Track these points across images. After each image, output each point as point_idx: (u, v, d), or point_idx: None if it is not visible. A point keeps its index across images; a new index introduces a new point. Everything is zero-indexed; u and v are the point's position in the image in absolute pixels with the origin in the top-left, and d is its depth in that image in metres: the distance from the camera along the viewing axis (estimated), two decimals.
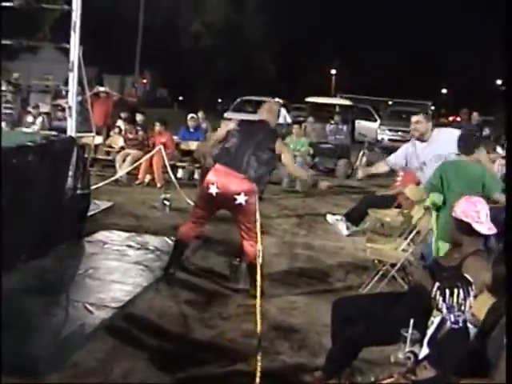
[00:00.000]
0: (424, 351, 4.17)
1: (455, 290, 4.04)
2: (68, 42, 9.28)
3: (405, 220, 8.64)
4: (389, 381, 4.25)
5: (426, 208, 7.30)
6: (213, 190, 7.10)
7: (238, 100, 33.07)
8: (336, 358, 5.03)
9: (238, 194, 7.07)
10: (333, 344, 5.19)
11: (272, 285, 7.84)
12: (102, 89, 18.82)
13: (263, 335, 6.17)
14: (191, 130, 16.16)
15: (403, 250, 7.55)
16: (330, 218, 11.51)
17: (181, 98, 65.85)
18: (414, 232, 7.56)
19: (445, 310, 4.05)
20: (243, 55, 64.53)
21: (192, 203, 10.85)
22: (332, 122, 21.24)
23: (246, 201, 7.11)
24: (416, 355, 4.15)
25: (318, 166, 18.94)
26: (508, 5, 5.05)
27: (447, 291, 4.04)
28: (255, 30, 65.86)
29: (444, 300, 4.03)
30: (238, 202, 7.09)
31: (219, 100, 57.48)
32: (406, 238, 7.75)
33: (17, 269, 7.39)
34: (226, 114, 29.33)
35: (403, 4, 72.83)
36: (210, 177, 7.19)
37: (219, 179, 7.09)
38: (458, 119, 29.55)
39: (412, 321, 4.17)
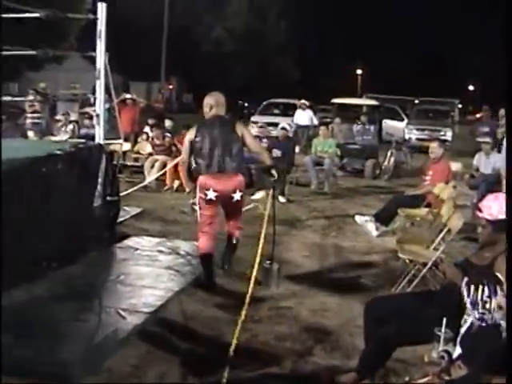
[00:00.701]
0: (458, 350, 4.14)
1: (480, 287, 4.01)
2: (94, 51, 9.33)
3: (435, 219, 8.61)
4: (423, 380, 4.24)
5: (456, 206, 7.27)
6: (211, 195, 7.54)
7: (264, 103, 33.08)
8: (369, 358, 5.01)
9: (234, 192, 7.62)
10: (366, 345, 5.18)
11: (303, 287, 7.86)
12: (128, 96, 18.93)
13: (295, 337, 6.20)
14: None
15: (434, 248, 7.51)
16: (358, 218, 11.49)
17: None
18: (445, 231, 7.51)
19: (469, 306, 4.03)
20: (266, 59, 64.53)
21: None
22: (359, 122, 21.20)
23: (240, 196, 7.71)
24: (450, 354, 4.13)
25: (345, 167, 18.91)
26: (508, 5, 5.02)
27: (472, 287, 4.02)
28: (277, 34, 65.87)
29: (468, 295, 4.01)
30: (235, 199, 7.66)
31: (245, 104, 57.45)
32: (436, 237, 7.70)
33: (48, 276, 7.45)
34: (252, 118, 29.39)
35: (428, 6, 72.69)
36: (204, 184, 7.58)
37: (213, 185, 7.53)
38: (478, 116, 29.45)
39: (445, 320, 4.15)
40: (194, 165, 7.99)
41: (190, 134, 7.81)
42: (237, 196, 7.63)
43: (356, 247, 10.05)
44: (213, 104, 7.98)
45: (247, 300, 6.43)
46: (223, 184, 7.54)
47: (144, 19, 59.15)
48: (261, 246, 6.98)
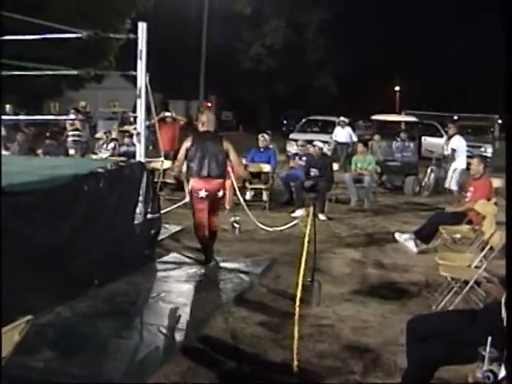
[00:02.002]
0: (503, 370, 4.10)
1: None
2: (133, 69, 9.43)
3: (476, 236, 8.54)
4: None
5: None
6: (203, 194, 9.09)
7: (303, 120, 33.09)
8: (412, 377, 4.97)
9: (218, 191, 9.26)
10: (408, 363, 5.13)
11: (344, 304, 7.84)
12: (168, 114, 19.03)
13: (336, 355, 6.18)
14: (261, 149, 16.24)
15: (476, 266, 7.45)
16: (399, 236, 11.42)
17: (246, 121, 66.14)
18: (487, 248, 7.45)
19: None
20: (305, 76, 64.54)
21: (260, 225, 10.92)
22: (398, 139, 21.10)
23: (223, 193, 9.58)
24: (495, 374, 4.08)
25: (385, 183, 18.85)
26: (508, 5, 4.98)
27: None
28: (316, 50, 65.90)
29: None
30: (219, 196, 9.35)
31: (284, 121, 57.50)
32: (478, 255, 7.64)
33: (90, 293, 7.52)
34: (291, 135, 29.42)
35: (466, 21, 72.39)
36: (195, 186, 9.20)
37: (203, 186, 9.08)
38: None
39: (490, 339, 4.11)
40: (185, 168, 9.54)
41: (187, 143, 9.41)
42: (220, 194, 9.33)
43: (397, 264, 10.01)
44: (205, 121, 9.53)
45: (296, 317, 6.39)
46: (211, 185, 9.09)
47: (183, 37, 59.51)
48: (303, 264, 6.96)
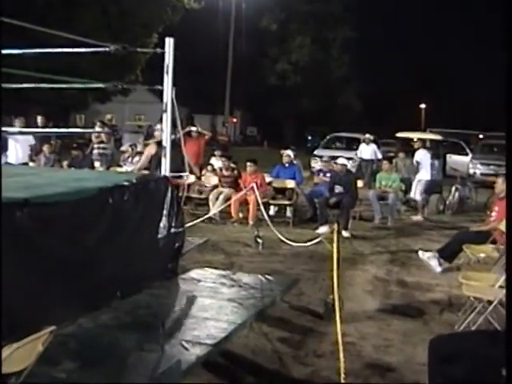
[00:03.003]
0: None
1: None
2: (159, 83, 9.47)
3: (501, 256, 8.48)
4: None
5: None
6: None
7: (328, 137, 33.11)
8: None
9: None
10: (430, 383, 5.11)
11: (366, 322, 7.81)
12: (193, 128, 19.11)
13: (358, 373, 6.16)
14: (286, 165, 16.29)
15: (500, 286, 7.39)
16: (422, 254, 11.36)
17: (270, 136, 66.31)
18: None
19: None
20: (330, 92, 64.63)
21: (285, 239, 10.91)
22: None
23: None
24: None
25: (409, 201, 18.77)
26: (508, 5, 4.95)
27: None
28: (341, 67, 66.01)
29: None
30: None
31: (308, 137, 57.58)
32: (502, 275, 7.59)
33: (113, 305, 7.55)
34: (316, 152, 29.41)
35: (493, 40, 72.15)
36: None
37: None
38: None
39: None
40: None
41: (152, 150, 11.09)
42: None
43: (420, 283, 9.95)
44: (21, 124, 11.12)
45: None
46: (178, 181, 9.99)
47: (209, 52, 59.83)
48: (326, 281, 6.95)
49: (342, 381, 5.61)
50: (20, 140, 16.44)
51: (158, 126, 10.69)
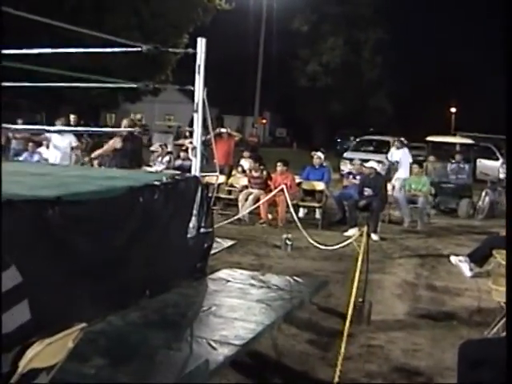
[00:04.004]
0: None
1: None
2: (190, 84, 9.49)
3: None
4: None
5: None
6: None
7: (358, 140, 33.03)
8: None
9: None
10: None
11: (394, 325, 7.79)
12: (223, 130, 19.18)
13: (386, 377, 6.14)
14: (316, 167, 16.29)
15: None
16: (452, 258, 11.29)
17: (300, 138, 66.24)
18: None
19: None
20: (361, 95, 64.42)
21: (314, 242, 10.90)
22: (453, 160, 20.91)
23: None
24: None
25: (439, 205, 18.69)
26: (508, 6, 4.92)
27: None
28: (372, 69, 65.76)
29: None
30: None
31: (338, 140, 57.47)
32: None
33: (142, 304, 7.58)
34: (346, 154, 29.36)
35: None
36: None
37: None
38: None
39: None
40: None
41: (116, 144, 12.83)
42: None
43: (449, 287, 9.91)
44: (126, 124, 13.08)
45: (344, 338, 6.34)
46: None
47: (240, 53, 59.94)
48: (355, 283, 6.94)
49: None
50: (60, 140, 16.55)
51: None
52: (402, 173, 19.15)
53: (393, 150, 26.21)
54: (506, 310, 3.65)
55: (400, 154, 25.21)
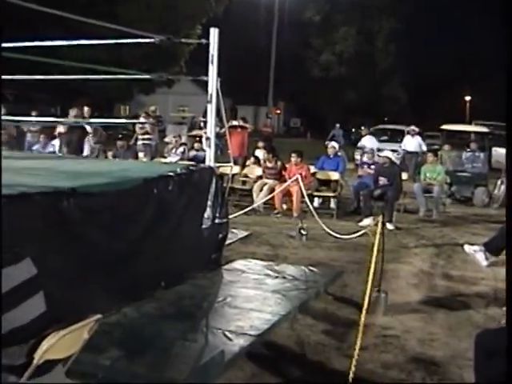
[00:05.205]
0: None
1: None
2: (203, 75, 9.48)
3: None
4: None
5: None
6: None
7: (372, 129, 32.91)
8: None
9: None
10: (476, 378, 5.04)
11: (410, 315, 7.75)
12: (235, 123, 19.19)
13: (402, 367, 6.11)
14: (331, 156, 16.25)
15: None
16: (468, 247, 11.22)
17: (314, 128, 66.13)
18: None
19: None
20: (374, 84, 64.25)
21: (330, 231, 10.87)
22: (468, 149, 20.80)
23: None
24: None
25: (454, 194, 18.60)
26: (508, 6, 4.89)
27: None
28: (386, 58, 65.56)
29: None
30: None
31: (352, 129, 57.31)
32: None
33: (157, 295, 7.59)
34: (360, 143, 29.24)
35: None
36: None
37: None
38: None
39: None
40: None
41: (61, 129, 15.16)
42: None
43: (465, 277, 9.85)
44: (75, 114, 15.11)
45: (360, 328, 6.31)
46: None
47: (252, 43, 59.88)
48: (371, 273, 6.91)
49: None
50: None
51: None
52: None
53: (407, 138, 26.18)
54: (506, 310, 3.62)
55: (414, 143, 25.23)
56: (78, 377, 4.78)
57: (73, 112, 16.96)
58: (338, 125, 37.31)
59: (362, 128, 23.74)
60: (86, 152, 16.77)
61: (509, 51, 4.80)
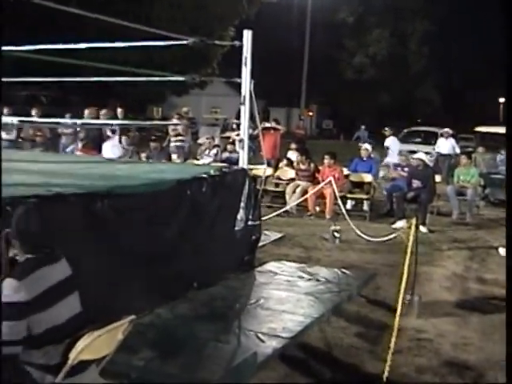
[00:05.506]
0: None
1: None
2: (236, 77, 9.50)
3: None
4: None
5: None
6: None
7: (405, 131, 32.72)
8: None
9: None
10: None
11: (443, 319, 7.71)
12: (268, 125, 19.20)
13: (435, 371, 6.08)
14: (364, 159, 16.18)
15: None
16: (502, 250, 11.15)
17: (346, 130, 65.89)
18: None
19: None
20: (408, 86, 63.92)
21: (362, 235, 10.83)
22: (502, 152, 20.61)
23: None
24: None
25: (488, 197, 18.44)
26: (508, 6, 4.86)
27: None
28: (419, 60, 65.21)
29: None
30: None
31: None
32: None
33: (190, 296, 7.62)
34: (385, 144, 29.11)
35: None
36: None
37: None
38: None
39: None
40: None
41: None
42: None
43: (499, 280, 9.73)
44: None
45: (395, 332, 6.27)
46: None
47: (285, 45, 59.83)
48: (405, 276, 6.87)
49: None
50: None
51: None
52: (392, 158, 20.35)
53: (440, 141, 25.99)
54: (506, 310, 3.59)
55: (448, 145, 25.04)
56: (112, 377, 4.82)
57: (104, 115, 17.04)
58: (362, 126, 37.63)
59: (386, 129, 23.58)
60: (116, 153, 16.77)
61: (509, 51, 4.78)
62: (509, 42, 4.82)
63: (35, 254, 4.16)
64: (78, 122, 17.35)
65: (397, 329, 6.33)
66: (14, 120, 15.85)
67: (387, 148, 22.09)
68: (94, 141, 16.89)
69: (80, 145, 16.45)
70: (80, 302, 4.34)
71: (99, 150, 16.19)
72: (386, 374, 5.61)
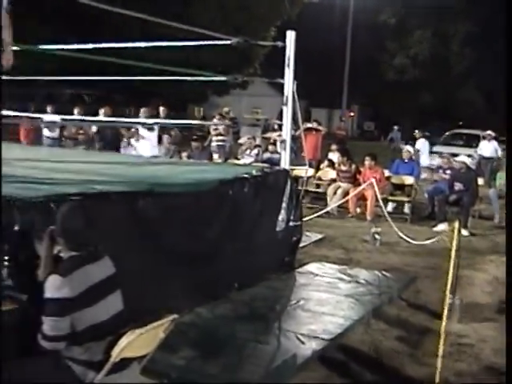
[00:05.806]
0: None
1: None
2: (278, 77, 9.50)
3: None
4: None
5: None
6: None
7: (447, 133, 32.44)
8: None
9: None
10: None
11: (485, 324, 7.64)
12: (309, 125, 19.16)
13: (476, 376, 6.02)
14: (405, 161, 16.08)
15: None
16: None
17: (388, 131, 65.51)
18: None
19: None
20: (450, 87, 63.37)
21: (404, 237, 10.76)
22: None
23: None
24: None
25: None
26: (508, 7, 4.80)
27: None
28: (461, 62, 64.61)
29: None
30: None
31: (427, 133, 56.60)
32: None
33: (231, 297, 7.64)
34: (434, 148, 28.84)
35: None
36: None
37: None
38: None
39: None
40: None
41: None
42: None
43: None
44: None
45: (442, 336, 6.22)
46: None
47: (327, 46, 59.68)
48: (449, 280, 6.82)
49: None
50: (146, 132, 16.74)
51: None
52: (423, 160, 21.75)
53: (483, 143, 25.71)
54: (506, 310, 3.54)
55: (491, 148, 24.77)
56: (153, 376, 4.85)
57: (144, 113, 17.11)
58: (395, 127, 37.50)
59: (416, 131, 23.72)
60: (155, 152, 16.76)
61: (509, 51, 4.74)
62: (509, 41, 4.79)
63: (79, 251, 4.22)
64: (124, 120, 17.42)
65: (437, 333, 6.28)
66: (57, 118, 16.06)
67: (417, 151, 22.42)
68: (111, 144, 17.01)
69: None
70: (122, 300, 4.37)
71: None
72: (437, 380, 5.58)
